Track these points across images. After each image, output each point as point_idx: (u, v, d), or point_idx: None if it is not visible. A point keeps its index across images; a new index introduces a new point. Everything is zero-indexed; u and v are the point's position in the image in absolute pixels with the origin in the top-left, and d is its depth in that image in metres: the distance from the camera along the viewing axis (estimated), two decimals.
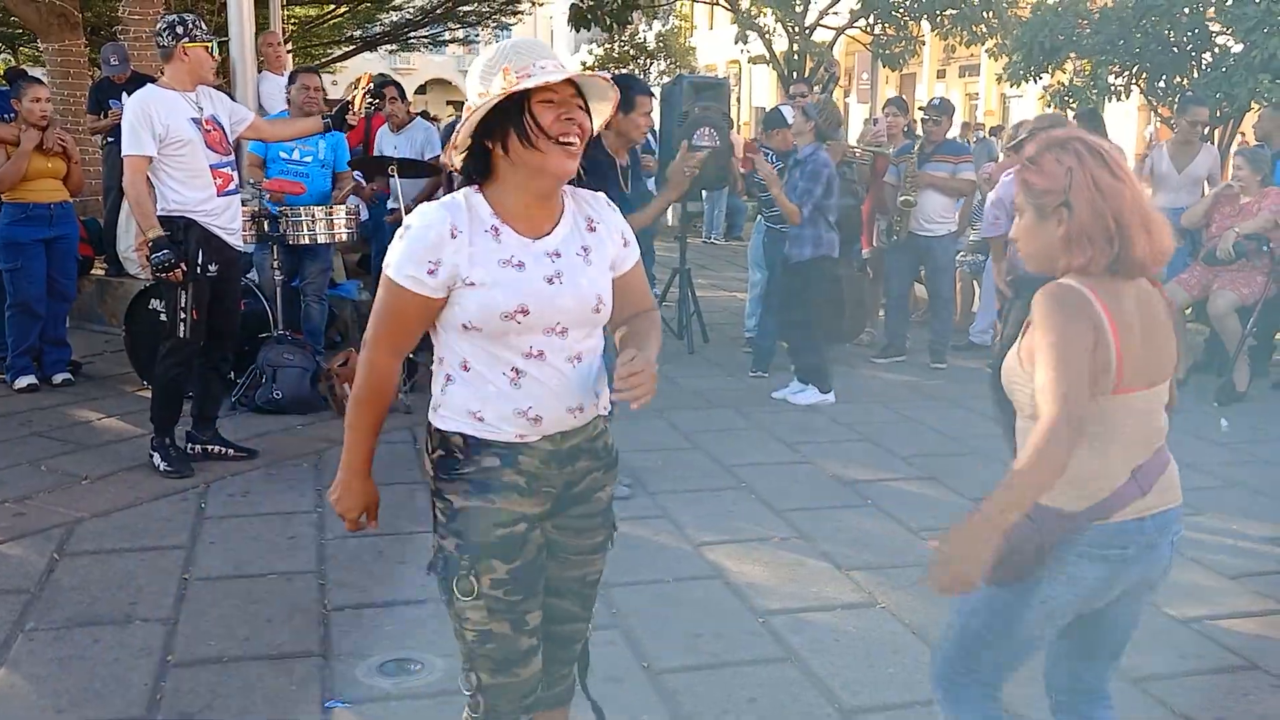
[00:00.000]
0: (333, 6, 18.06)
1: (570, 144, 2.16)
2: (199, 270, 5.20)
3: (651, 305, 2.53)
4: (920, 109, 8.45)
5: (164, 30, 5.16)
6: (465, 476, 2.28)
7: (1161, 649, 3.76)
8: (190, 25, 5.18)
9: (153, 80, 5.57)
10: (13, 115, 6.77)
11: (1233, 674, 3.64)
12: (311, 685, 3.46)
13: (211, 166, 5.22)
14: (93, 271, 8.88)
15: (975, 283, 9.45)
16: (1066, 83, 10.39)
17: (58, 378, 7.03)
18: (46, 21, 10.47)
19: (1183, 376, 7.60)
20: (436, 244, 2.18)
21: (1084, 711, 2.61)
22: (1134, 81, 10.06)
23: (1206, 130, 9.48)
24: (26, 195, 6.76)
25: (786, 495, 5.27)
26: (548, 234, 2.27)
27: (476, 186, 2.27)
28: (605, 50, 29.47)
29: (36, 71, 11.63)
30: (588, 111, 2.22)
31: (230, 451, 5.59)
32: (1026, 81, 10.41)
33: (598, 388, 2.37)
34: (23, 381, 6.88)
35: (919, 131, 8.87)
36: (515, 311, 2.18)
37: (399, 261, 2.20)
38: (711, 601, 4.10)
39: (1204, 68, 9.49)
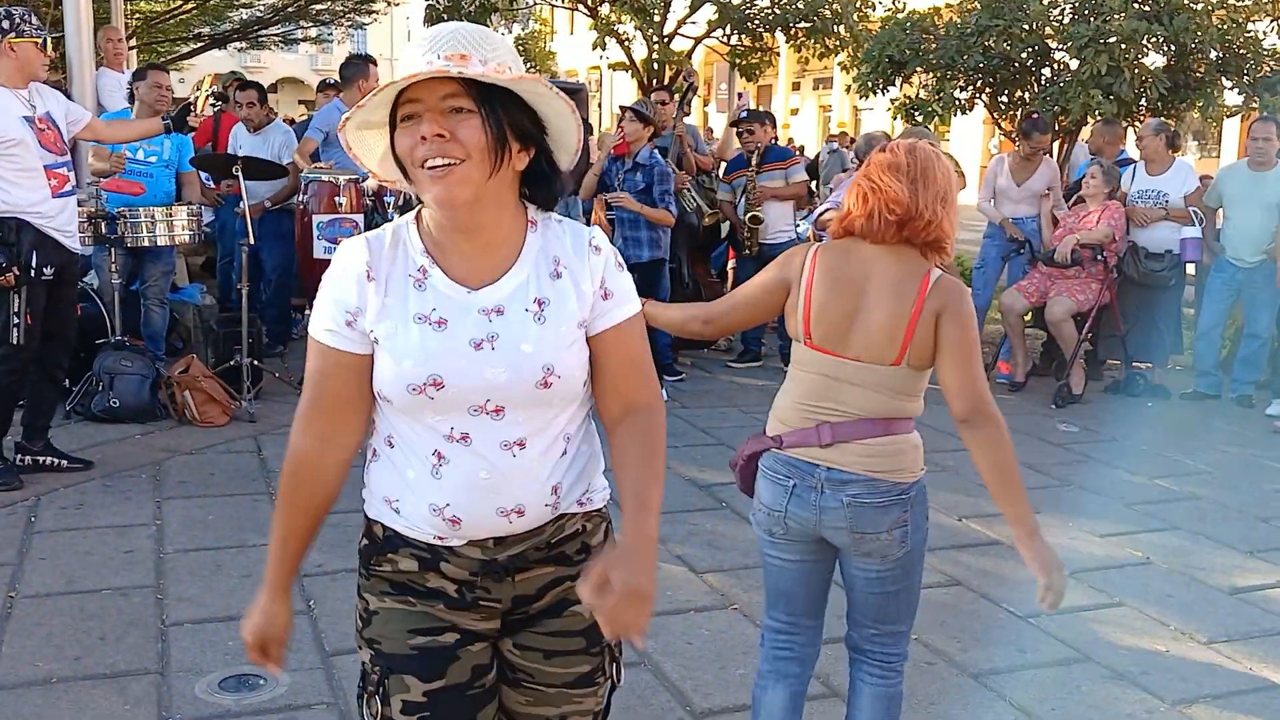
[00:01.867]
0: (180, 2, 17.48)
1: (438, 168, 1.68)
2: (33, 273, 4.96)
3: (649, 399, 1.91)
4: (735, 123, 8.58)
5: (3, 16, 4.91)
6: (383, 575, 1.89)
7: (1000, 644, 3.89)
8: (18, 19, 4.94)
9: None
10: None
11: (1067, 666, 3.78)
12: (147, 704, 3.33)
13: (46, 167, 5.00)
14: None
15: None
16: (914, 96, 10.69)
17: None
18: None
19: (1021, 380, 7.91)
20: (352, 288, 1.80)
21: (852, 669, 2.87)
22: (978, 95, 10.41)
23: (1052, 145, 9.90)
24: None
25: None
26: (491, 282, 1.80)
27: (418, 211, 1.86)
28: None
29: None
30: (490, 116, 1.69)
31: (63, 462, 5.34)
32: (875, 94, 10.68)
33: (566, 480, 1.88)
34: None
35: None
36: (425, 384, 1.75)
37: (316, 313, 1.83)
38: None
39: (1043, 83, 9.88)
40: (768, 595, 2.90)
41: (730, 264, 9.18)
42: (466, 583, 1.86)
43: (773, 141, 8.58)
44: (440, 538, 1.84)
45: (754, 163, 8.23)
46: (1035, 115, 8.44)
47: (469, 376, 1.76)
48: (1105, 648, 3.91)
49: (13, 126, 4.88)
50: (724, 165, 8.92)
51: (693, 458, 6.03)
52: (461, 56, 1.68)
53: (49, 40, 5.19)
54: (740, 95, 9.29)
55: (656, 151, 7.28)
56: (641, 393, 1.92)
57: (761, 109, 9.22)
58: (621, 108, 7.43)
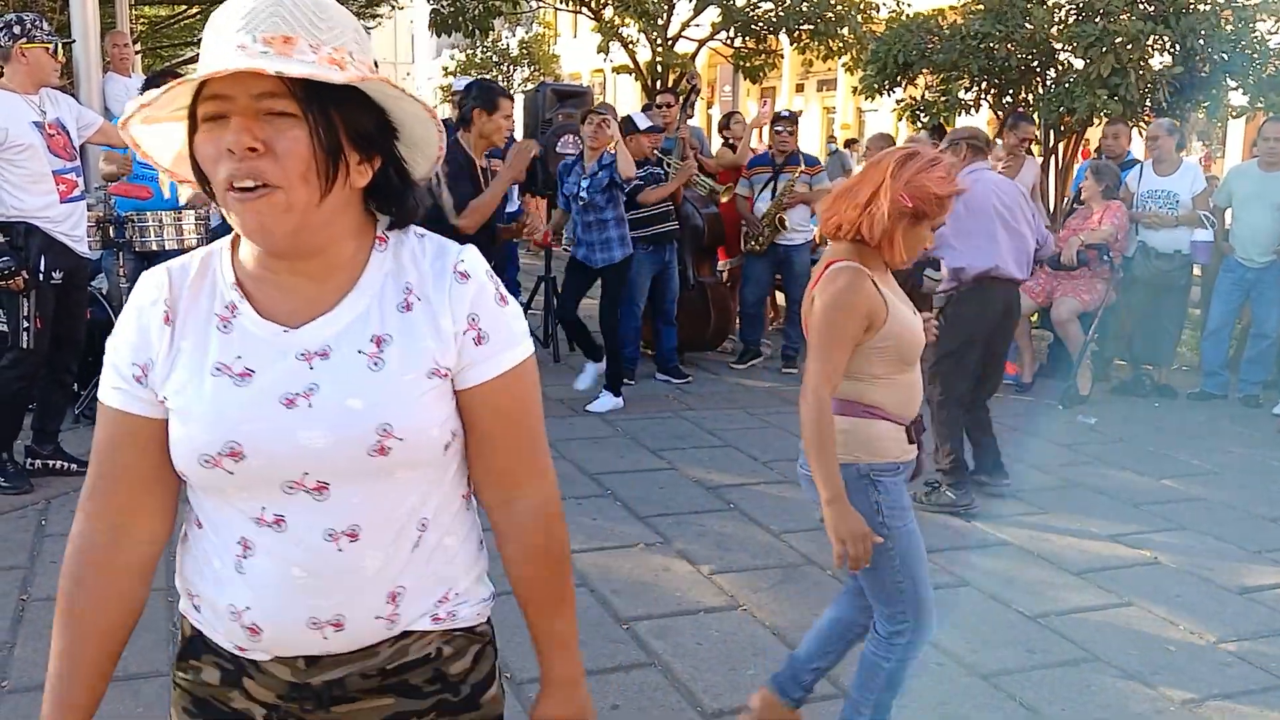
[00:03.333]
0: (185, 7, 17.51)
1: (247, 192, 1.29)
2: (42, 278, 4.99)
3: (537, 478, 1.54)
4: (772, 123, 8.59)
5: (1, 30, 4.93)
6: (185, 686, 1.53)
7: (1010, 644, 3.90)
8: (29, 25, 4.97)
9: None
10: None
11: (1077, 667, 3.78)
12: (160, 707, 3.34)
13: (55, 172, 5.02)
14: None
15: None
16: (919, 97, 10.69)
17: None
18: None
19: (1029, 380, 7.92)
20: (144, 335, 1.42)
21: None
22: (983, 96, 10.41)
23: (1051, 143, 9.90)
24: None
25: (651, 502, 5.30)
26: (313, 319, 1.40)
27: (233, 236, 1.46)
28: (468, 56, 29.29)
29: None
30: (321, 124, 1.31)
31: (73, 466, 5.36)
32: (880, 95, 10.68)
33: (414, 585, 1.46)
34: None
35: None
36: (220, 454, 1.36)
37: (104, 367, 1.46)
38: (577, 609, 4.08)
39: (1048, 83, 9.88)
40: None
41: (724, 264, 9.16)
42: (275, 707, 1.48)
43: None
44: (240, 648, 1.46)
45: (797, 176, 8.22)
46: (1022, 109, 8.45)
47: (276, 443, 1.36)
48: (1114, 648, 3.91)
49: (22, 132, 4.91)
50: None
51: (700, 459, 6.03)
52: (285, 39, 1.29)
53: (59, 46, 5.21)
54: (764, 102, 9.28)
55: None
56: (526, 470, 1.52)
57: (788, 110, 9.21)
58: (590, 112, 7.44)
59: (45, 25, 5.11)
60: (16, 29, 4.92)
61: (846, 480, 2.76)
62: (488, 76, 25.54)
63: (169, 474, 1.45)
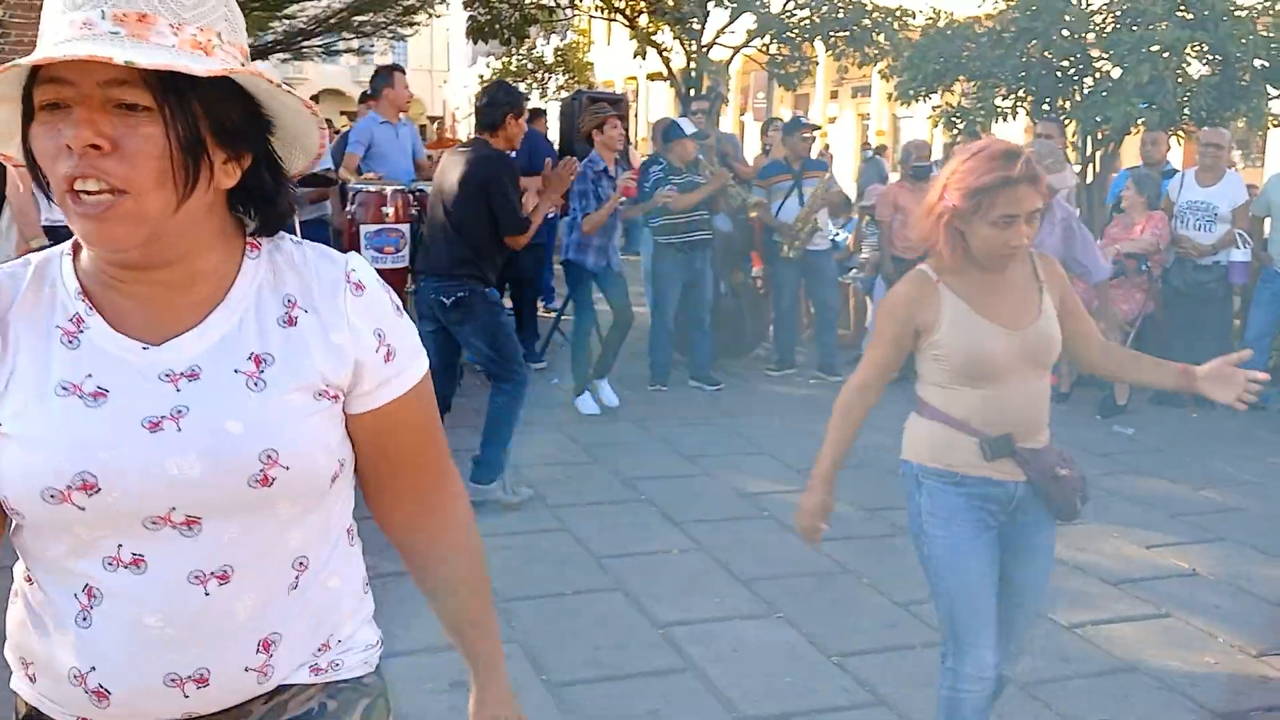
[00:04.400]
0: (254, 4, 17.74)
1: (90, 199, 1.12)
2: None
3: (450, 489, 1.44)
4: (782, 130, 8.61)
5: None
6: None
7: (1047, 654, 3.88)
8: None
9: None
10: None
11: (1114, 677, 3.77)
12: None
13: None
14: None
15: (868, 299, 9.65)
16: (955, 104, 10.66)
17: None
18: None
19: (1067, 390, 7.88)
20: None
21: None
22: (1020, 104, 10.37)
23: (1088, 152, 9.84)
24: None
25: (686, 508, 5.31)
26: (177, 335, 1.23)
27: (74, 240, 1.27)
28: (503, 64, 29.43)
29: None
30: (178, 118, 1.14)
31: None
32: (916, 102, 10.66)
33: (290, 630, 1.30)
34: None
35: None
36: (70, 487, 1.17)
37: None
38: (612, 614, 4.12)
39: (1084, 91, 9.84)
40: None
41: (756, 271, 9.18)
42: None
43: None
44: None
45: (825, 182, 8.23)
46: (1050, 114, 8.43)
47: (139, 473, 1.18)
48: (1153, 659, 3.89)
49: None
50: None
51: (736, 466, 6.04)
52: (140, 18, 1.11)
53: None
54: (795, 115, 9.31)
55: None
56: (443, 482, 1.43)
57: (801, 118, 9.24)
58: (585, 97, 7.49)
59: None
60: None
61: (904, 476, 2.82)
62: (515, 84, 25.68)
63: None
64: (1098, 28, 9.58)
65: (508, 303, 8.86)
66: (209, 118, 1.16)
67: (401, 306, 1.36)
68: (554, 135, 12.23)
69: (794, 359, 8.52)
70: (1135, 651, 3.94)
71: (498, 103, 5.29)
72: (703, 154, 8.07)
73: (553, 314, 9.12)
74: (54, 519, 1.19)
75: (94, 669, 1.22)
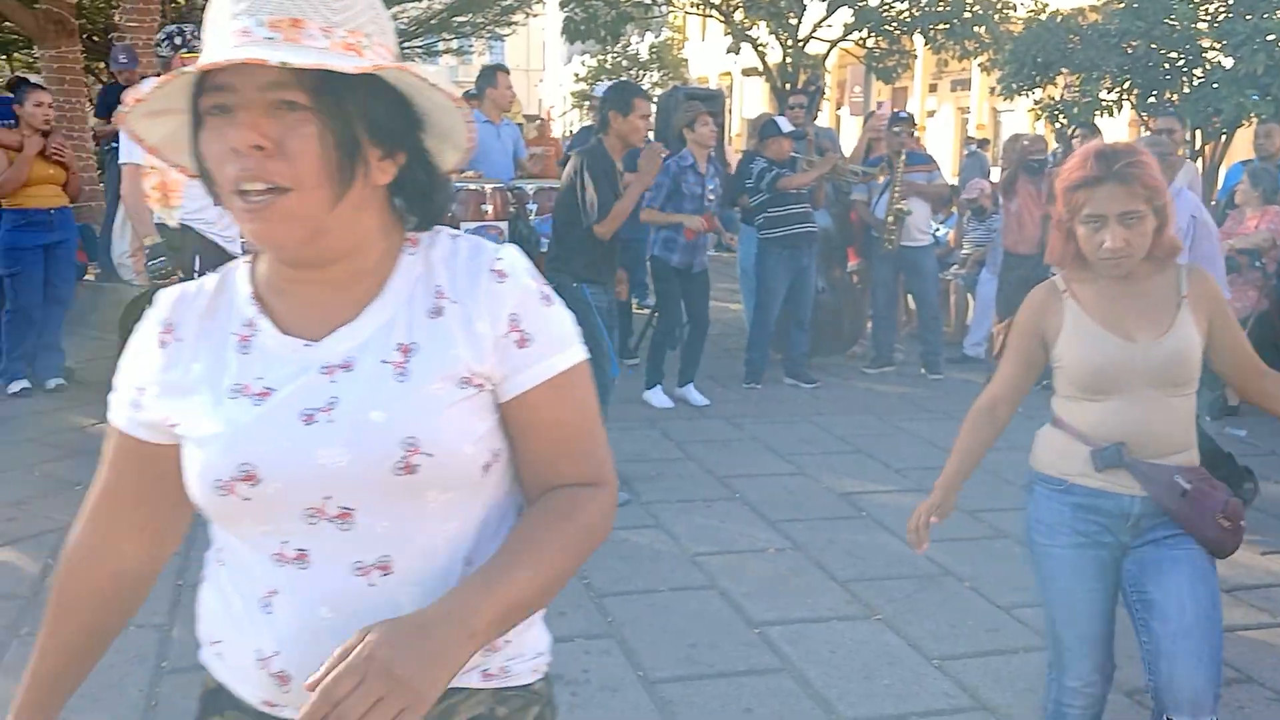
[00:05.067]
0: None
1: (256, 199, 1.18)
2: (196, 276, 5.19)
3: (586, 475, 1.34)
4: (889, 122, 8.49)
5: (163, 41, 5.18)
6: None
7: None
8: (189, 36, 5.20)
9: None
10: (14, 121, 6.76)
11: (1228, 687, 3.65)
12: None
13: None
14: (86, 277, 8.88)
15: (969, 296, 9.49)
16: (1058, 97, 10.45)
17: (51, 383, 7.01)
18: (43, 28, 10.48)
19: None
20: (142, 356, 1.34)
21: None
22: (1125, 97, 10.12)
23: (1198, 145, 9.56)
24: (27, 201, 6.75)
25: (780, 506, 5.28)
26: (335, 330, 1.29)
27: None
28: (598, 62, 29.57)
29: (33, 79, 11.64)
30: (335, 118, 1.19)
31: None
32: (1018, 95, 10.47)
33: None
34: (16, 386, 6.87)
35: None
36: (234, 479, 1.24)
37: (116, 381, 1.38)
38: (706, 612, 4.10)
39: (1194, 83, 9.56)
40: None
41: (852, 266, 9.09)
42: None
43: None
44: (269, 703, 1.31)
45: (901, 161, 8.12)
46: (1172, 107, 8.19)
47: (293, 463, 1.23)
48: (1269, 669, 3.76)
49: None
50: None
51: (831, 466, 5.99)
52: (293, 22, 1.16)
53: None
54: (879, 105, 9.21)
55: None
56: (586, 480, 1.34)
57: (904, 112, 9.12)
58: (681, 94, 7.45)
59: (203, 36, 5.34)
60: (178, 40, 5.16)
61: (1025, 483, 2.77)
62: (628, 82, 25.76)
63: (163, 501, 1.37)
64: (1209, 17, 9.30)
65: None
66: (363, 115, 1.20)
67: (554, 297, 1.35)
68: (650, 132, 12.25)
69: (892, 357, 8.41)
70: (1251, 662, 3.81)
71: (603, 101, 5.48)
72: (800, 151, 8.02)
73: (646, 311, 9.13)
74: (225, 511, 1.27)
75: (277, 654, 1.27)
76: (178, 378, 1.30)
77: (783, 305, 7.74)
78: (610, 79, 26.61)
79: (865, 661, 3.75)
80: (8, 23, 13.89)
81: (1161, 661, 2.50)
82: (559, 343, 1.32)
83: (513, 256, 1.33)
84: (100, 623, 1.43)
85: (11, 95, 7.15)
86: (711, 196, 7.17)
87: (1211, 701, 2.47)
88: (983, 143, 18.48)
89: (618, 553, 4.56)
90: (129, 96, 1.22)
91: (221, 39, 1.17)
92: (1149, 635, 2.55)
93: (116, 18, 11.06)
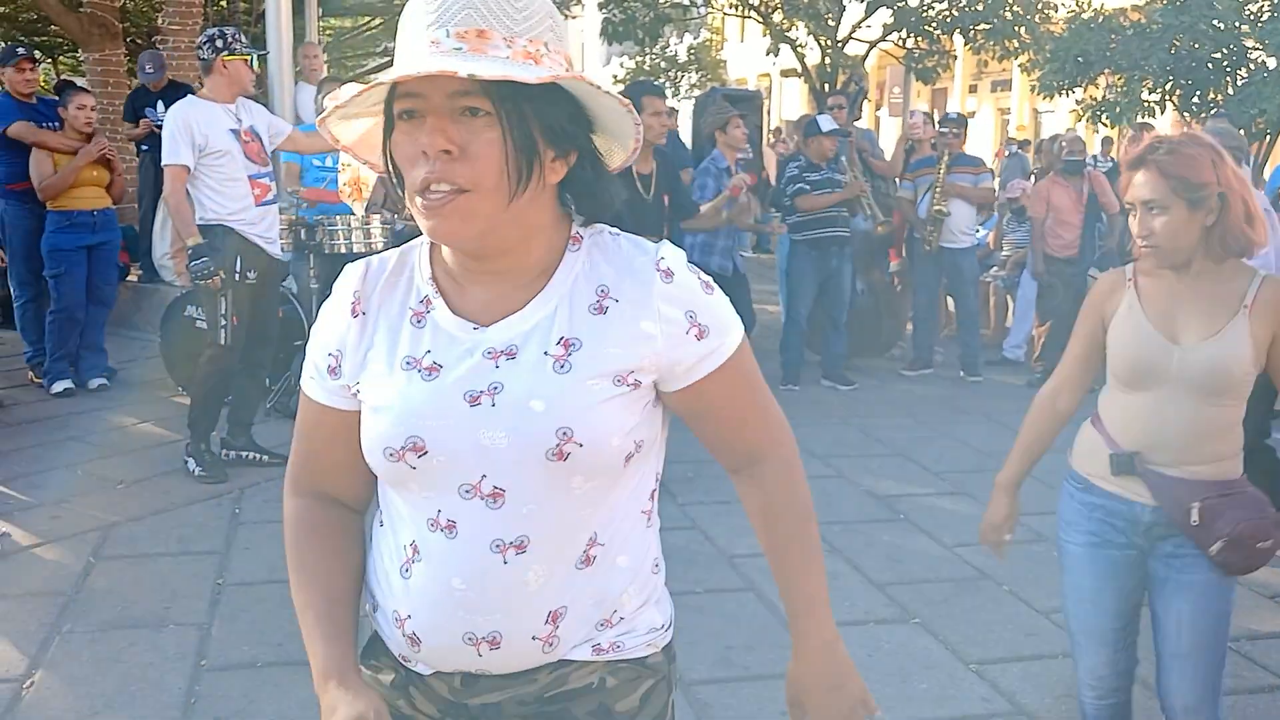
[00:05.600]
0: (368, 19, 18.21)
1: (436, 197, 1.27)
2: (237, 277, 5.25)
3: (776, 443, 1.53)
4: (939, 123, 8.43)
5: (204, 43, 5.23)
6: (369, 682, 1.48)
7: None
8: (230, 38, 5.24)
9: (190, 88, 5.65)
10: (59, 124, 6.85)
11: (1272, 694, 3.60)
12: None
13: (250, 177, 5.28)
14: (128, 278, 8.97)
15: (1009, 298, 9.41)
16: (1099, 98, 10.34)
17: (94, 383, 7.10)
18: (87, 31, 10.60)
19: None
20: (335, 326, 1.44)
21: None
22: (1168, 97, 10.00)
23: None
24: (71, 203, 6.84)
25: (818, 509, 5.15)
26: (503, 318, 1.38)
27: None
28: (636, 63, 29.56)
29: (78, 82, 11.79)
30: (515, 123, 1.27)
31: (265, 457, 5.62)
32: (1059, 95, 10.37)
33: (578, 607, 1.40)
34: (59, 386, 6.95)
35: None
36: (404, 448, 1.35)
37: (308, 354, 1.50)
38: (744, 614, 4.09)
39: (1238, 83, 9.43)
40: None
41: (894, 267, 9.04)
42: None
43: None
44: (404, 657, 1.45)
45: (945, 162, 8.06)
46: (1223, 110, 8.09)
47: (457, 440, 1.33)
48: None
49: (221, 138, 5.18)
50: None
51: (869, 468, 5.95)
52: (479, 34, 1.24)
53: (256, 57, 5.49)
54: (912, 113, 9.13)
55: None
56: (765, 440, 1.52)
57: (955, 113, 9.05)
58: (719, 95, 7.41)
59: (244, 39, 5.39)
60: (219, 42, 5.20)
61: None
62: (653, 81, 25.71)
63: (360, 462, 1.44)
64: (1252, 16, 9.18)
65: None
66: (539, 120, 1.28)
67: (712, 284, 1.44)
68: (687, 134, 12.24)
69: (931, 359, 8.35)
70: None
71: None
72: (843, 151, 7.98)
73: None
74: (394, 475, 1.38)
75: (410, 617, 1.40)
76: (365, 345, 1.41)
77: (818, 307, 7.71)
78: (649, 80, 26.62)
79: (902, 665, 3.72)
80: (53, 26, 14.09)
81: (1160, 674, 2.63)
82: (726, 325, 1.42)
83: (673, 253, 1.41)
84: (351, 577, 1.49)
85: (57, 98, 7.23)
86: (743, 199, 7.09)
87: (1208, 710, 2.58)
88: (1023, 144, 18.31)
89: None
90: (329, 101, 1.38)
91: (415, 47, 1.26)
92: (1155, 644, 2.64)
93: (159, 21, 11.18)
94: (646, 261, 1.38)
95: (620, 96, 1.34)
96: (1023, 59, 15.98)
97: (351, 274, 1.45)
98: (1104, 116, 9.92)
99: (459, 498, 1.35)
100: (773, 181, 9.17)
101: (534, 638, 1.38)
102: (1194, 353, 2.45)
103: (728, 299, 1.45)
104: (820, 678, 1.51)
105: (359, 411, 1.42)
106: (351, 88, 1.33)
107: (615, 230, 1.44)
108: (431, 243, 1.43)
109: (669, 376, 1.40)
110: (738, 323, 1.44)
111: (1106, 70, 10.02)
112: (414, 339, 1.38)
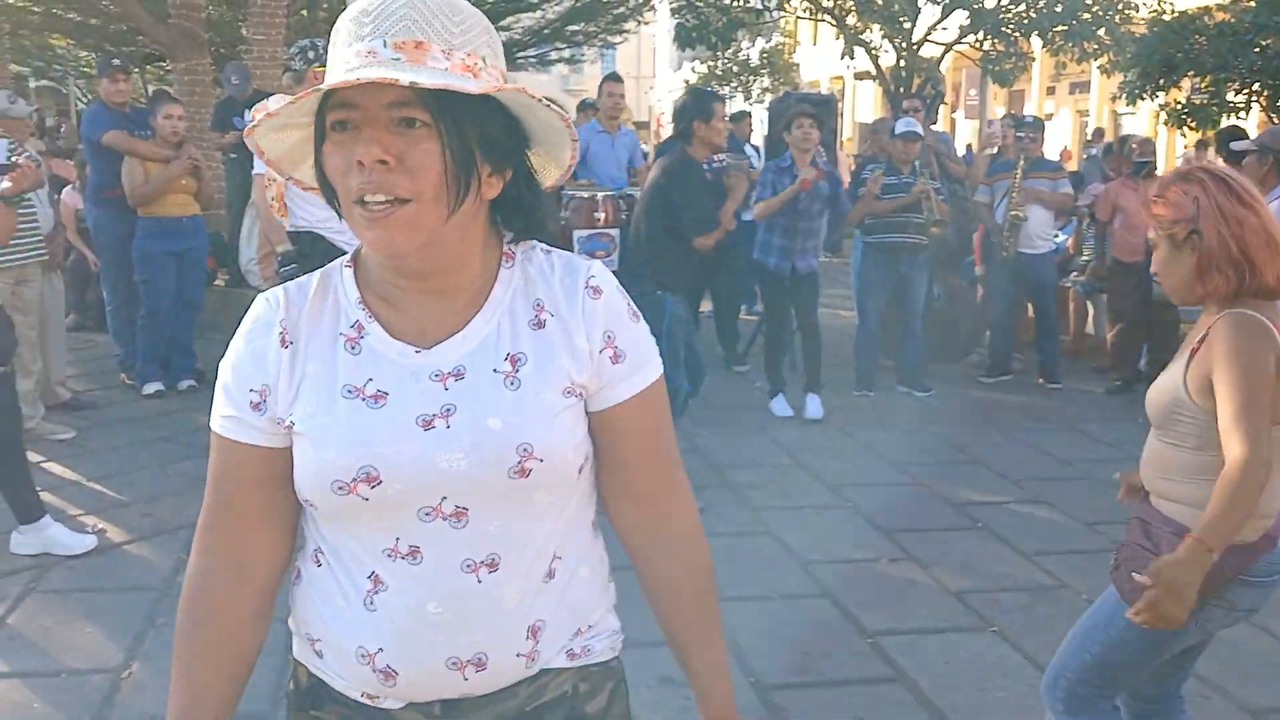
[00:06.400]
0: None
1: (379, 207, 1.24)
2: None
3: (676, 499, 1.50)
4: (1015, 127, 8.34)
5: (296, 54, 5.37)
6: None
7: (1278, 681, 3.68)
8: (321, 50, 5.37)
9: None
10: (150, 133, 7.05)
11: None
12: None
13: None
14: (215, 283, 9.20)
15: (1088, 303, 9.28)
16: (1184, 100, 10.15)
17: (183, 384, 7.30)
18: (175, 42, 10.88)
19: None
20: (260, 358, 1.36)
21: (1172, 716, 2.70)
22: (1255, 99, 9.79)
23: None
24: (161, 210, 7.02)
25: (894, 516, 5.24)
26: (445, 339, 1.35)
27: (353, 254, 1.43)
28: (709, 68, 29.59)
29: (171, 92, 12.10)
30: (453, 135, 1.25)
31: None
32: (1143, 99, 10.19)
33: (551, 618, 1.40)
34: (150, 388, 7.16)
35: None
36: (355, 480, 1.29)
37: (216, 395, 1.40)
38: (819, 620, 4.10)
39: None
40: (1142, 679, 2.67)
41: (978, 271, 8.95)
42: None
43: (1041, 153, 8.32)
44: (369, 695, 1.39)
45: (1021, 166, 7.98)
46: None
47: (415, 466, 1.29)
48: None
49: None
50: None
51: (946, 475, 5.92)
52: (417, 44, 1.23)
53: None
54: (990, 123, 9.02)
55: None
56: (667, 488, 1.48)
57: (1032, 116, 8.95)
58: (794, 99, 7.36)
59: None
60: (310, 54, 5.33)
61: None
62: (717, 88, 25.69)
63: (285, 505, 1.39)
64: None
65: (706, 306, 8.94)
66: (477, 133, 1.27)
67: (639, 314, 1.44)
68: (760, 138, 12.24)
69: (1009, 365, 8.26)
70: None
71: (684, 112, 5.52)
72: (921, 156, 7.93)
73: (755, 318, 9.12)
74: (342, 508, 1.32)
75: (382, 650, 1.34)
76: (297, 376, 1.34)
77: (892, 312, 7.66)
78: (720, 86, 26.64)
79: (979, 673, 3.71)
80: (140, 37, 14.46)
81: None
82: (644, 358, 1.41)
83: (603, 273, 1.41)
84: (242, 659, 1.44)
85: (147, 108, 7.44)
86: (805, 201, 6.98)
87: (1052, 692, 2.69)
88: (1106, 147, 18.06)
89: (727, 557, 4.58)
90: (257, 111, 1.31)
91: (347, 58, 1.24)
92: None
93: (244, 31, 11.45)
94: (578, 278, 1.39)
95: (561, 111, 1.32)
96: (1102, 60, 15.76)
97: (271, 302, 1.39)
98: (1190, 120, 9.72)
99: (419, 522, 1.31)
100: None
101: (518, 654, 1.37)
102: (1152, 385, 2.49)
103: (648, 333, 1.43)
104: None
105: (284, 449, 1.35)
106: (281, 97, 1.29)
107: (547, 248, 1.44)
108: (355, 265, 1.40)
109: (592, 395, 1.39)
110: (655, 360, 1.43)
111: (1190, 73, 9.83)
112: (351, 366, 1.33)
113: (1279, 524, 2.38)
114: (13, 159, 4.73)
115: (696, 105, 5.51)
